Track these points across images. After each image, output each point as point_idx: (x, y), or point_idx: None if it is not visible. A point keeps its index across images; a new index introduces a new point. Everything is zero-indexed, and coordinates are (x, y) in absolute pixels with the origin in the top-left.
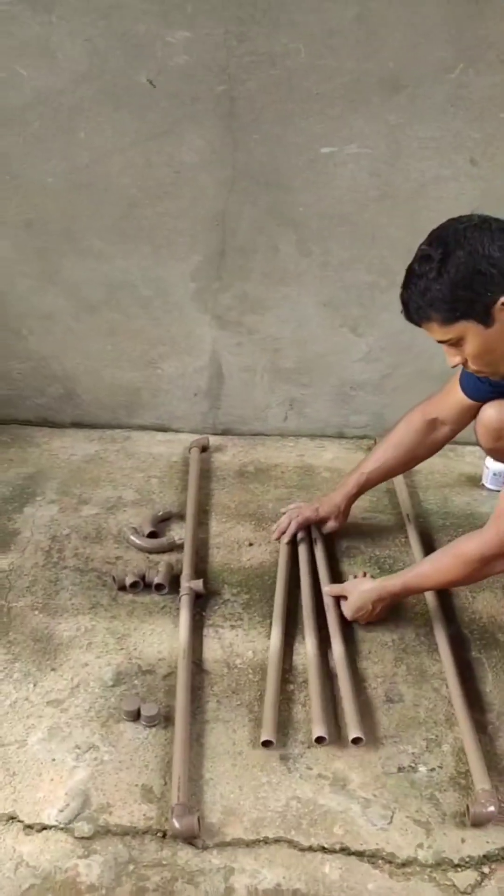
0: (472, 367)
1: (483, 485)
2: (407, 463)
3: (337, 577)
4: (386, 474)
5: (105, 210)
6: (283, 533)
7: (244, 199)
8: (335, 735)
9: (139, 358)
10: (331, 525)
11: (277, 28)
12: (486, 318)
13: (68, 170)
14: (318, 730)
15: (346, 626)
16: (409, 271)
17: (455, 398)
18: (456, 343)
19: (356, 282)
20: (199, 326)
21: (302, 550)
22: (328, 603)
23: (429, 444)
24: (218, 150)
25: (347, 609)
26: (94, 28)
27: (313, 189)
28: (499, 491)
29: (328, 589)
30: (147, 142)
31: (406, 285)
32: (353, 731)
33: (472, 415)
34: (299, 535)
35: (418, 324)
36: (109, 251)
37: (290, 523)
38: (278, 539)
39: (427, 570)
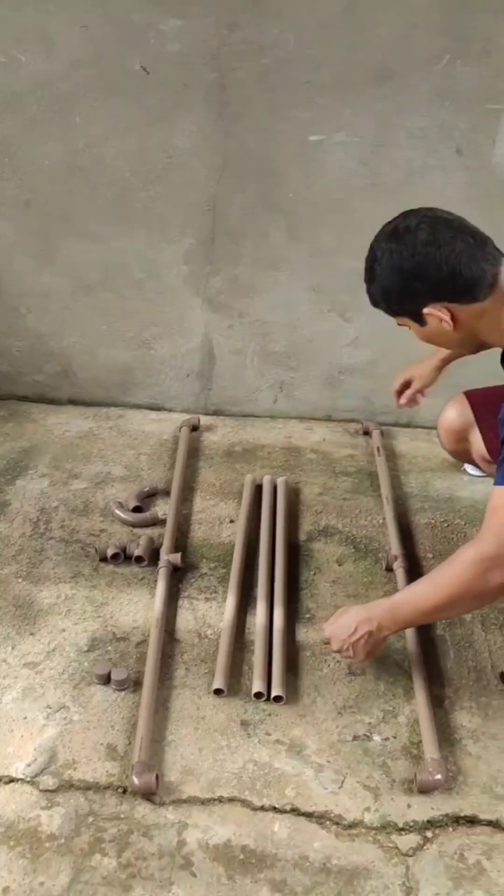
0: (426, 344)
1: (465, 470)
2: None
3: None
4: None
5: (100, 193)
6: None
7: (235, 184)
8: (292, 698)
9: (133, 338)
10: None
11: (267, 18)
12: (419, 320)
13: (65, 153)
14: (257, 685)
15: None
16: (365, 261)
17: None
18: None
19: (345, 268)
20: (192, 309)
21: (264, 518)
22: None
23: None
24: (209, 137)
25: (329, 631)
26: (90, 15)
27: (302, 176)
28: (480, 476)
29: (320, 627)
30: (141, 127)
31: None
32: (275, 689)
33: None
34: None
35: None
36: (105, 233)
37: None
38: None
39: (421, 586)
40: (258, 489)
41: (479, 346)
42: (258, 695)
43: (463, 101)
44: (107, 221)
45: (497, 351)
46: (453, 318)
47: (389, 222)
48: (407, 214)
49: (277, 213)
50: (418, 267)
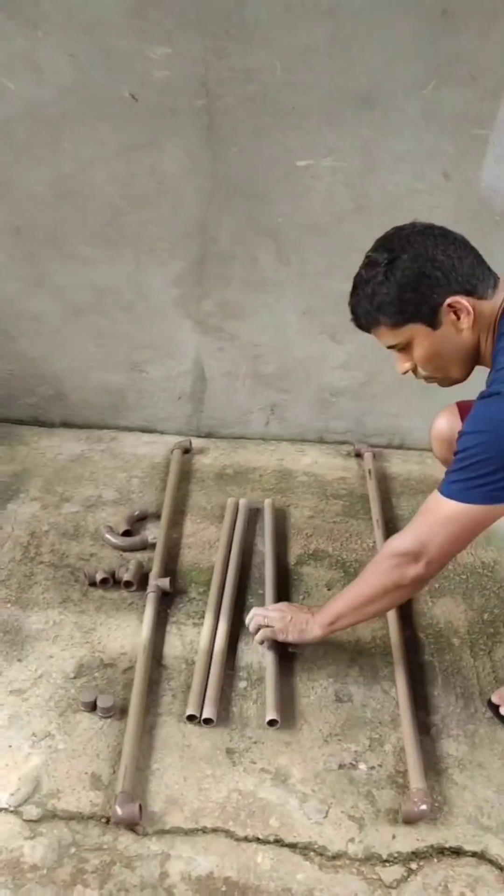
0: (423, 372)
1: None
2: None
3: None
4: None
5: (90, 217)
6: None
7: (223, 208)
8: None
9: (125, 361)
10: None
11: (253, 45)
12: (433, 321)
13: (55, 178)
14: (191, 708)
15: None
16: (357, 277)
17: None
18: (405, 348)
19: (334, 290)
20: (182, 331)
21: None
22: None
23: None
24: (198, 162)
25: (258, 610)
26: (78, 43)
27: (290, 200)
28: None
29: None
30: (129, 152)
31: (354, 292)
32: (269, 714)
33: None
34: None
35: (368, 330)
36: (95, 257)
37: None
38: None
39: (352, 583)
40: (249, 512)
41: (474, 362)
42: (272, 722)
43: (449, 125)
44: (97, 245)
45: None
46: (473, 310)
47: (385, 234)
48: (399, 226)
49: (266, 237)
50: (443, 254)
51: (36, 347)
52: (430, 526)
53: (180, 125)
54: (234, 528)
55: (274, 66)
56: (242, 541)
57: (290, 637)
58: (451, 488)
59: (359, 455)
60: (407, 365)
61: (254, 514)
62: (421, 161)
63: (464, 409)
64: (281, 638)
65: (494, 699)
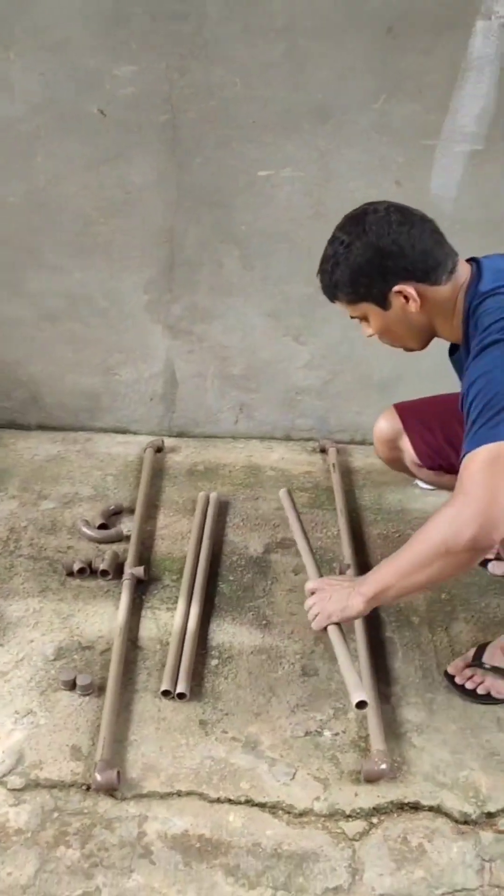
0: (382, 341)
1: (416, 484)
2: None
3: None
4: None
5: (63, 227)
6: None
7: (190, 217)
8: (248, 699)
9: (98, 364)
10: None
11: (214, 62)
12: (383, 303)
13: (28, 191)
14: (165, 684)
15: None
16: (324, 253)
17: None
18: (363, 319)
19: (296, 294)
20: (153, 335)
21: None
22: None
23: None
24: (164, 173)
25: (316, 584)
26: (47, 63)
27: (253, 209)
28: (431, 490)
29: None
30: (99, 165)
31: (321, 266)
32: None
33: None
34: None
35: (332, 301)
36: (68, 265)
37: None
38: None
39: (398, 552)
40: (220, 505)
41: (430, 337)
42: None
43: (399, 136)
44: (70, 254)
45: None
46: (420, 297)
47: (353, 211)
48: (371, 203)
49: (231, 244)
50: (394, 244)
51: (12, 352)
52: (472, 477)
53: (147, 139)
54: (205, 520)
55: (234, 82)
56: (213, 532)
57: (335, 618)
58: (477, 437)
59: (323, 451)
60: (369, 331)
61: (224, 507)
62: (374, 170)
63: (402, 409)
64: (325, 623)
65: (450, 670)
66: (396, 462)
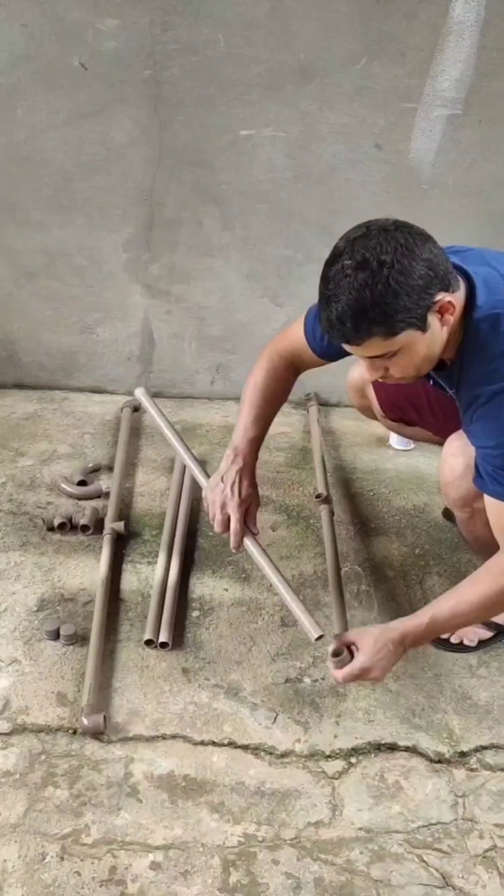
0: (397, 376)
1: (389, 445)
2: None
3: None
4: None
5: (42, 183)
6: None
7: (170, 176)
8: (230, 648)
9: (76, 323)
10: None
11: (198, 19)
12: (423, 324)
13: (7, 145)
14: (148, 633)
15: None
16: (336, 284)
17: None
18: (390, 355)
19: (275, 255)
20: (131, 295)
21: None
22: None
23: (290, 390)
24: (145, 130)
25: (363, 659)
26: (30, 14)
27: (234, 168)
28: (403, 450)
29: (338, 638)
30: (80, 120)
31: (335, 299)
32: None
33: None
34: None
35: (357, 343)
36: (47, 221)
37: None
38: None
39: (460, 592)
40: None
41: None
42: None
43: (380, 99)
44: (49, 210)
45: None
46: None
47: (355, 234)
48: (364, 224)
49: (211, 203)
50: (429, 251)
51: None
52: None
53: (129, 95)
54: (183, 478)
55: (218, 39)
56: (192, 489)
57: (385, 677)
58: None
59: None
60: (379, 373)
61: (201, 466)
62: (355, 133)
63: None
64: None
65: None
66: (367, 410)
